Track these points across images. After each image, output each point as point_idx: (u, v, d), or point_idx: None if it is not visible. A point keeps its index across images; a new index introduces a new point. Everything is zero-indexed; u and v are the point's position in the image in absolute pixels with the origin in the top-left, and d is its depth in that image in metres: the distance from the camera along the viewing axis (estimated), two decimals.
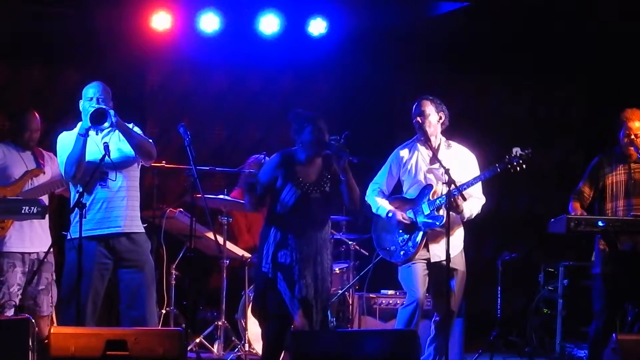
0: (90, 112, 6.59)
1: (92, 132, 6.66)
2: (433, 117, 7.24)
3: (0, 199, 7.74)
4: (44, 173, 7.87)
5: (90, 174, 6.61)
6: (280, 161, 6.72)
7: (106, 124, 6.62)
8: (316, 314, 6.58)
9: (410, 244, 7.16)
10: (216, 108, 10.56)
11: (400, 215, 7.18)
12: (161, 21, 9.61)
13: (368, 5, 9.94)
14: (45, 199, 7.87)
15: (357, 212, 7.33)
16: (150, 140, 6.93)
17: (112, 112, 6.64)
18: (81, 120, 6.76)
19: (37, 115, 8.06)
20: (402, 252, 7.21)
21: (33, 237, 7.83)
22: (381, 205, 7.29)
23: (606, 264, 7.34)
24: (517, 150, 6.98)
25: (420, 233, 7.13)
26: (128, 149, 6.77)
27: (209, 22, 9.71)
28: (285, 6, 9.85)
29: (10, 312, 7.72)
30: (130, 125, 6.85)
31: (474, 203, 7.15)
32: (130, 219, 6.83)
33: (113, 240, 6.77)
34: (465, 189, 6.96)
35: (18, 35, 9.56)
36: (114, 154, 6.68)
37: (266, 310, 6.68)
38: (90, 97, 6.76)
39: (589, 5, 9.46)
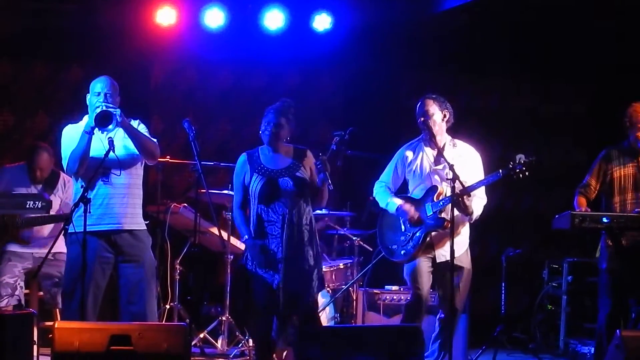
0: (95, 114, 6.56)
1: (97, 129, 6.65)
2: (437, 116, 7.20)
3: (5, 192, 7.84)
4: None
5: (94, 169, 6.60)
6: (245, 159, 6.75)
7: (111, 127, 6.60)
8: (297, 301, 6.54)
9: (410, 243, 7.15)
10: (221, 103, 10.56)
11: (408, 207, 7.16)
12: (166, 16, 9.61)
13: (373, 0, 9.94)
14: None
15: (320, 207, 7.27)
16: (155, 140, 6.90)
17: (118, 111, 6.60)
18: (87, 113, 6.76)
19: (45, 154, 8.17)
20: (402, 252, 7.21)
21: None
22: (391, 200, 7.28)
23: (612, 259, 7.34)
24: (521, 157, 6.90)
25: (421, 234, 7.12)
26: (132, 147, 6.76)
27: (214, 18, 9.71)
28: (290, 1, 9.86)
29: (11, 302, 7.83)
30: (136, 123, 6.85)
31: (477, 203, 7.13)
32: (130, 216, 6.81)
33: (114, 235, 6.76)
34: (469, 191, 6.94)
35: (22, 32, 9.56)
36: (119, 151, 6.66)
37: (254, 304, 6.65)
38: (97, 92, 6.73)
39: (590, 3, 9.44)
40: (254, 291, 6.64)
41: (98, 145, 6.67)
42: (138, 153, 6.78)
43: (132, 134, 6.70)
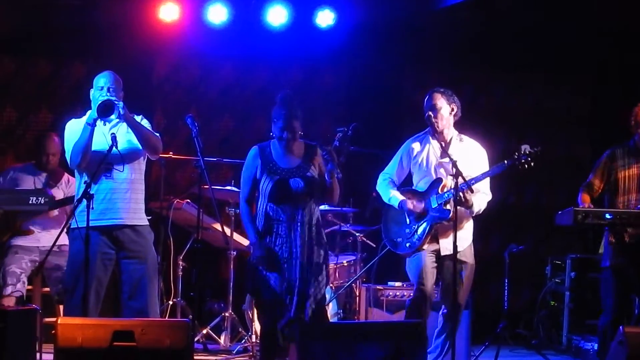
0: (98, 104, 6.57)
1: (99, 123, 6.64)
2: (445, 110, 7.18)
3: (8, 189, 7.86)
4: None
5: (97, 164, 6.60)
6: (257, 152, 6.70)
7: (113, 116, 6.61)
8: (307, 301, 6.51)
9: (415, 236, 7.15)
10: (224, 99, 10.56)
11: (411, 204, 7.15)
12: (169, 12, 9.61)
13: None
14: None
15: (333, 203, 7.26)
16: (158, 134, 6.90)
17: (120, 104, 6.61)
18: (90, 109, 6.76)
19: (56, 138, 8.20)
20: (407, 244, 7.20)
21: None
22: (393, 195, 7.27)
23: (616, 256, 7.33)
24: (526, 148, 6.91)
25: (427, 226, 7.12)
26: (135, 141, 6.75)
27: (217, 14, 9.71)
28: None
29: (14, 293, 7.86)
30: (139, 118, 6.84)
31: (480, 198, 7.12)
32: (133, 211, 6.81)
33: (116, 231, 6.75)
34: (473, 183, 6.92)
35: (24, 28, 9.57)
36: (122, 145, 6.65)
37: (261, 301, 6.65)
38: (100, 87, 6.73)
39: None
40: (260, 291, 6.63)
41: (101, 140, 6.67)
42: (141, 147, 6.78)
43: (135, 127, 6.70)
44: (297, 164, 6.65)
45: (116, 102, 6.60)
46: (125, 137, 6.75)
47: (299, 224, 6.54)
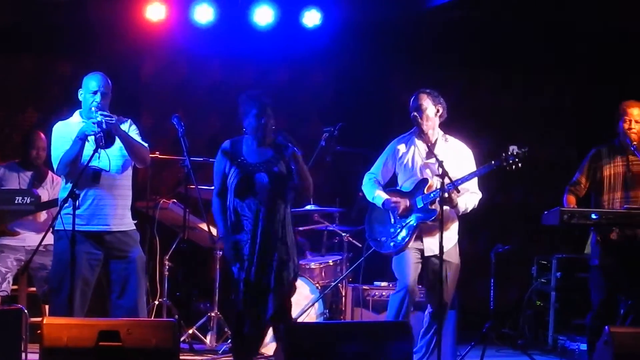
0: (96, 136, 6.52)
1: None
2: (430, 111, 7.21)
3: None
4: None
5: (83, 168, 6.57)
6: (228, 147, 6.71)
7: (114, 146, 6.62)
8: (265, 300, 6.49)
9: (400, 236, 7.16)
10: (210, 99, 10.54)
11: (394, 202, 7.15)
12: (155, 12, 9.61)
13: None
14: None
15: (307, 201, 7.23)
16: (146, 145, 6.91)
17: (113, 119, 6.58)
18: (77, 109, 6.75)
19: (42, 135, 8.19)
20: (391, 244, 7.22)
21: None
22: (378, 194, 7.28)
23: (603, 256, 7.36)
24: (513, 149, 6.94)
25: (412, 227, 7.13)
26: (124, 151, 6.73)
27: (204, 13, 9.72)
28: None
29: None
30: (127, 124, 6.85)
31: (469, 197, 7.15)
32: (119, 217, 6.82)
33: (102, 235, 6.76)
34: (460, 184, 6.94)
35: (11, 26, 9.54)
36: (110, 152, 6.64)
37: (229, 299, 6.65)
38: (93, 91, 6.71)
39: None
40: (230, 285, 6.63)
41: (91, 145, 6.64)
42: (129, 157, 6.77)
43: (125, 141, 6.69)
44: (265, 158, 6.64)
45: (110, 121, 6.56)
46: (115, 146, 6.71)
47: (261, 220, 6.52)
